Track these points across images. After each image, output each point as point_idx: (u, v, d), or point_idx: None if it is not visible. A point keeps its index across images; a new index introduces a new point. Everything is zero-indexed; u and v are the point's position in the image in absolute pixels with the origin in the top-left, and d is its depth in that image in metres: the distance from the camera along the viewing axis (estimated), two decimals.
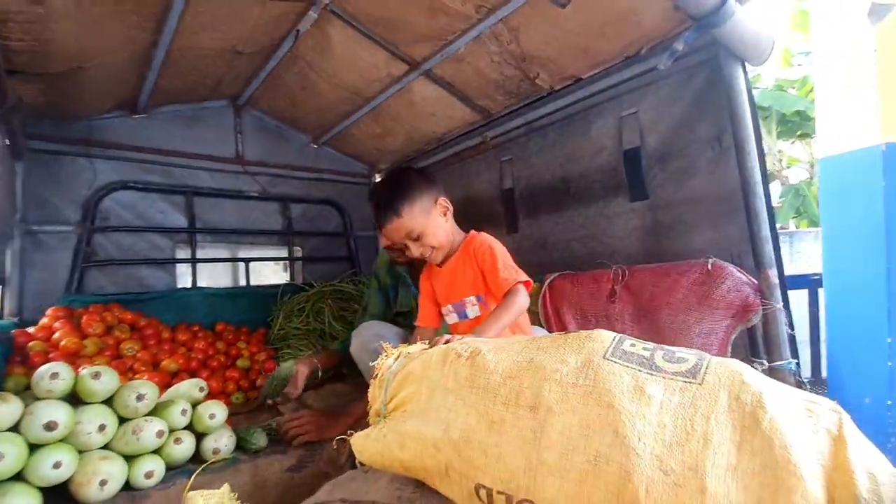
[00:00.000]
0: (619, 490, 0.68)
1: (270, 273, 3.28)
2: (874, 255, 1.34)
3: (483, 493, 0.83)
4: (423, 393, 0.96)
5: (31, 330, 1.85)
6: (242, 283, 2.80)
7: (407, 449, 0.92)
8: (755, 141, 1.49)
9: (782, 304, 1.45)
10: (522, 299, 1.36)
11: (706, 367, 0.75)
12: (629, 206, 1.89)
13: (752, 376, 0.72)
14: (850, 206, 1.41)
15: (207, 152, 2.60)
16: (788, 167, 9.77)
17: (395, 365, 1.07)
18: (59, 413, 1.12)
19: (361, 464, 0.99)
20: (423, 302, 1.61)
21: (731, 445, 0.66)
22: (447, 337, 1.10)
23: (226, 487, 0.96)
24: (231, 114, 2.70)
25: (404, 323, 1.95)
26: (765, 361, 1.48)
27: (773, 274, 1.46)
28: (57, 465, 1.09)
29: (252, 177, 2.75)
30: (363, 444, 0.99)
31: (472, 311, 1.50)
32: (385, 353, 1.10)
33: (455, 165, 2.67)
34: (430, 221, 1.44)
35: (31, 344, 1.75)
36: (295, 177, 2.92)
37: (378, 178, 3.17)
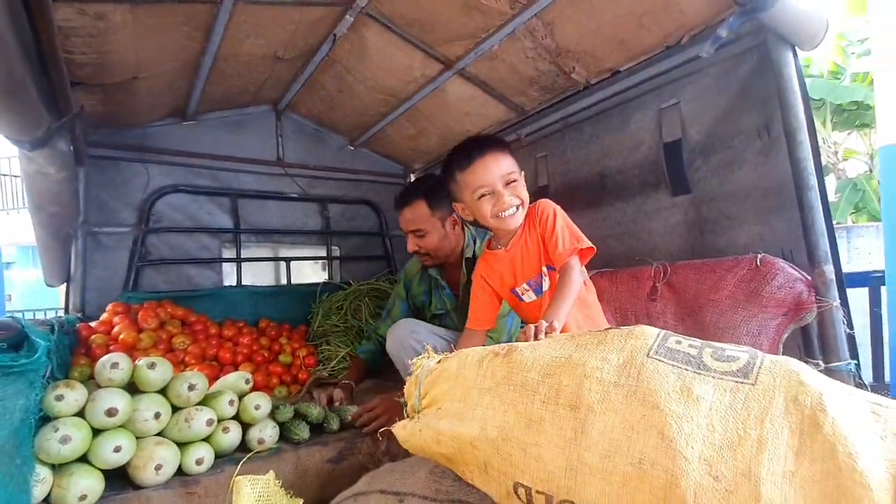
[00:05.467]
0: (666, 494, 0.66)
1: (310, 272, 3.36)
2: None
3: (522, 491, 0.82)
4: (457, 392, 0.95)
5: (93, 324, 1.98)
6: (284, 281, 2.89)
7: (444, 445, 0.93)
8: (808, 130, 1.41)
9: (839, 301, 1.36)
10: (575, 276, 1.27)
11: (759, 367, 0.72)
12: (670, 200, 1.82)
13: (810, 376, 0.68)
14: None
15: (251, 156, 2.71)
16: (845, 160, 9.14)
17: (431, 363, 1.07)
18: (119, 400, 1.19)
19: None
20: (478, 301, 1.48)
21: (788, 450, 0.63)
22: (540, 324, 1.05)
23: (271, 474, 1.00)
24: (272, 118, 2.80)
25: (440, 324, 1.96)
26: (820, 362, 1.40)
27: (828, 270, 1.38)
28: (117, 450, 1.16)
29: (292, 178, 2.84)
30: (403, 434, 1.01)
31: (546, 282, 1.42)
32: (427, 354, 1.11)
33: None
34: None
35: (93, 337, 1.87)
36: (333, 178, 2.99)
37: (413, 178, 3.20)
